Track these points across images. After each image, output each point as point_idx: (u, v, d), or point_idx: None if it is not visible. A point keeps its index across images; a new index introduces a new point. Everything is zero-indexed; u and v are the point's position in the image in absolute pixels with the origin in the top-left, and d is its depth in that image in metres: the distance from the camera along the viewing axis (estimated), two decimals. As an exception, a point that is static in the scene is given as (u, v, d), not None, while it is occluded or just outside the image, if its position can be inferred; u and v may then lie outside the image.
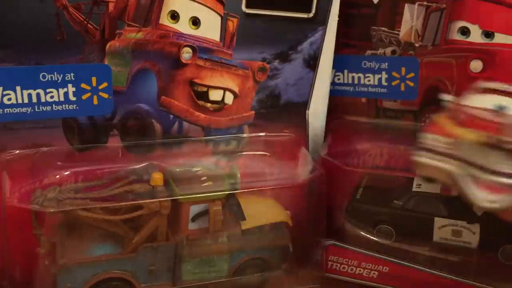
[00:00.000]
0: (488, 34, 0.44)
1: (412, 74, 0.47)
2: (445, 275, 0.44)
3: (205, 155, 0.45)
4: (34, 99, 0.40)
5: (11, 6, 0.38)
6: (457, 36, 0.45)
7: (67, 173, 0.41)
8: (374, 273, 0.47)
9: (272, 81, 0.46)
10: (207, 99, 0.45)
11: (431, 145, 0.27)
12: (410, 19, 0.46)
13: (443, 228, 0.44)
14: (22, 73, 0.39)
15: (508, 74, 0.43)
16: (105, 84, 0.42)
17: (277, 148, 0.46)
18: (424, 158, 0.27)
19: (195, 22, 0.43)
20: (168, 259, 0.41)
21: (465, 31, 0.45)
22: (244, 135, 0.47)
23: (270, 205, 0.45)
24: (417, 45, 0.47)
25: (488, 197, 0.25)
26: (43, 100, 0.40)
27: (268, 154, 0.46)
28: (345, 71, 0.49)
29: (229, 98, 0.45)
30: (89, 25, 0.40)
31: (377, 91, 0.49)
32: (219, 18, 0.43)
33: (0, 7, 0.38)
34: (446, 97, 0.32)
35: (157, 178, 0.41)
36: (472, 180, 0.25)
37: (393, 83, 0.48)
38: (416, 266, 0.45)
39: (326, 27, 0.45)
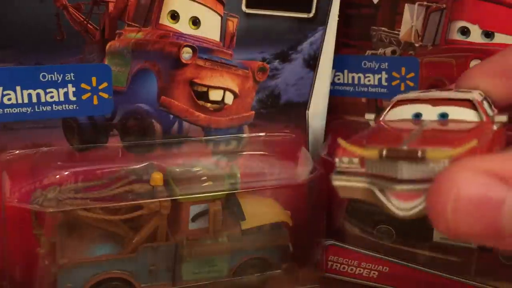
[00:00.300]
0: (488, 34, 0.44)
1: (412, 74, 0.47)
2: (445, 275, 0.44)
3: (205, 155, 0.45)
4: (34, 99, 0.40)
5: (11, 6, 0.38)
6: (457, 36, 0.45)
7: (67, 173, 0.41)
8: (374, 273, 0.47)
9: (272, 81, 0.46)
10: (207, 99, 0.45)
11: (342, 168, 0.27)
12: (410, 19, 0.46)
13: (443, 228, 0.44)
14: (22, 73, 0.39)
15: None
16: (105, 84, 0.42)
17: (277, 148, 0.46)
18: (339, 182, 0.28)
19: (195, 22, 0.43)
20: (168, 259, 0.41)
21: (465, 31, 0.45)
22: (244, 135, 0.47)
23: (270, 205, 0.45)
24: (417, 45, 0.47)
25: (401, 206, 0.26)
26: (43, 100, 0.40)
27: (268, 154, 0.46)
28: (345, 71, 0.49)
29: (229, 98, 0.45)
30: (89, 25, 0.40)
31: (377, 91, 0.49)
32: (219, 18, 0.43)
33: (0, 7, 0.38)
34: (368, 116, 0.33)
35: (157, 178, 0.41)
36: (384, 193, 0.26)
37: (393, 83, 0.48)
38: (416, 266, 0.45)
39: (326, 27, 0.45)
